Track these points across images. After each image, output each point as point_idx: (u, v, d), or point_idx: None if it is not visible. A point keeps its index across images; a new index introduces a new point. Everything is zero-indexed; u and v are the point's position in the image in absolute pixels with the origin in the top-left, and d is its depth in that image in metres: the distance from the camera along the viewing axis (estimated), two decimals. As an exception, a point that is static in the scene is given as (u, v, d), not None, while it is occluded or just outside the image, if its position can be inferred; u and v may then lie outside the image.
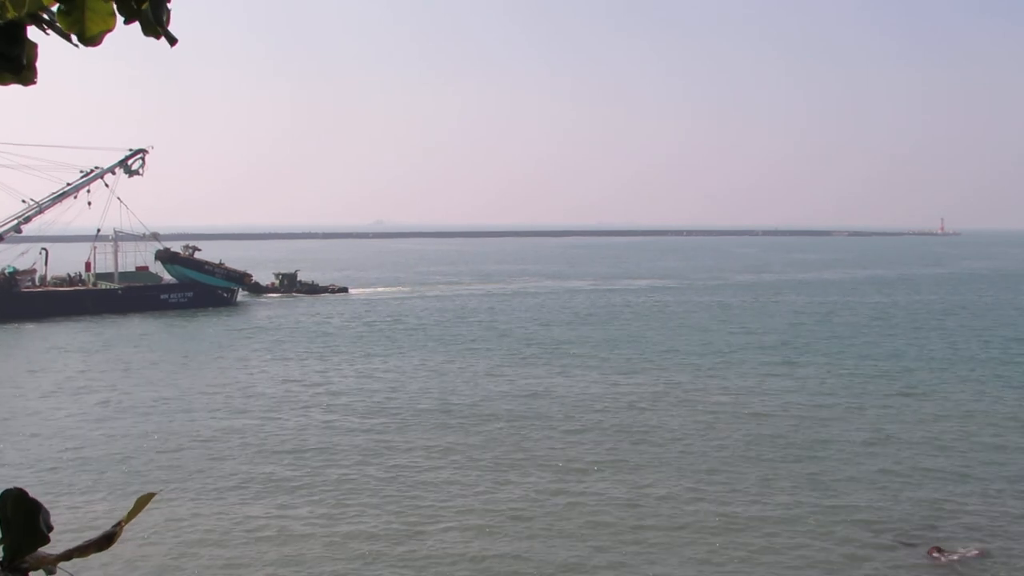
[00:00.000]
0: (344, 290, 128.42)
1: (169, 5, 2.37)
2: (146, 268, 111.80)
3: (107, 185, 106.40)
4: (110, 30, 2.22)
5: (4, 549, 2.29)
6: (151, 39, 2.36)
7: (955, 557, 29.06)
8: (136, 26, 2.35)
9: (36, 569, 2.31)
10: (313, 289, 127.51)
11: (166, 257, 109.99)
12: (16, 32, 2.25)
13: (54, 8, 2.23)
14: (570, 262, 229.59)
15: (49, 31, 2.27)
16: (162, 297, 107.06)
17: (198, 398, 53.54)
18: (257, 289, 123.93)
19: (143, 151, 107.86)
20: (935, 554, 29.17)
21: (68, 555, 2.31)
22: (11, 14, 2.24)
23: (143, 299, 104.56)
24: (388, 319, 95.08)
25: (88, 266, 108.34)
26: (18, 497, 2.31)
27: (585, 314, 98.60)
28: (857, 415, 48.66)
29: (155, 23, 2.29)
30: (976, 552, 29.41)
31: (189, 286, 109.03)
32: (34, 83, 2.30)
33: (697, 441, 42.96)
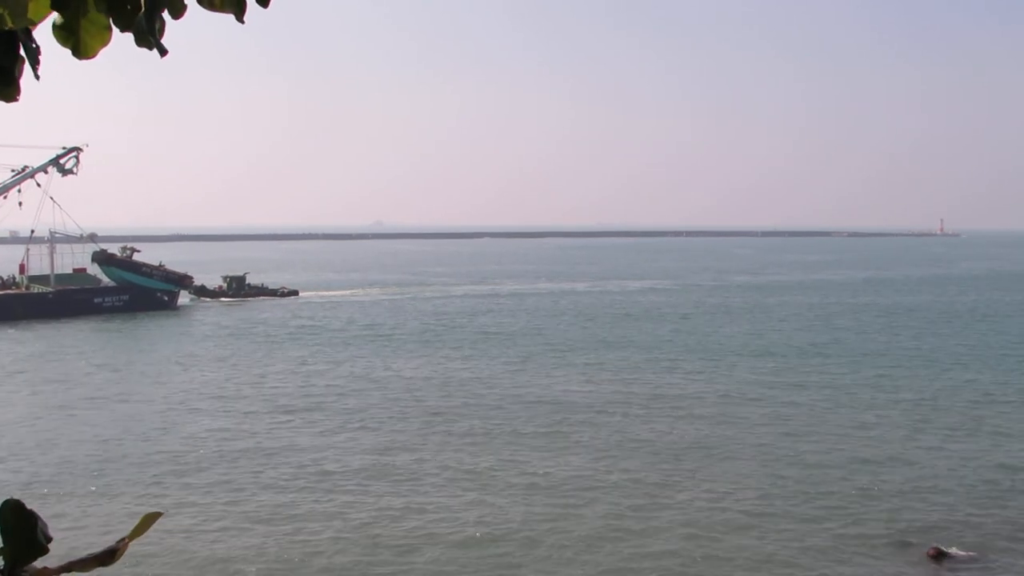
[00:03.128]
0: (295, 293, 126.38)
1: (164, 15, 2.36)
2: (84, 270, 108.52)
3: (39, 185, 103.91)
4: (106, 45, 2.23)
5: (4, 558, 2.29)
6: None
7: (954, 557, 29.12)
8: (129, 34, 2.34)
9: (35, 580, 2.31)
10: (262, 292, 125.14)
11: (102, 259, 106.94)
12: (11, 42, 2.25)
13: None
14: (556, 262, 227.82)
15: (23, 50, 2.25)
16: (95, 301, 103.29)
17: (93, 408, 52.31)
18: (203, 292, 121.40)
19: (77, 149, 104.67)
20: (935, 554, 29.22)
21: (69, 567, 2.33)
22: (10, 25, 2.24)
23: (75, 303, 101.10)
24: (326, 322, 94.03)
25: (23, 268, 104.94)
26: (18, 506, 2.31)
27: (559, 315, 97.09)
28: (856, 417, 48.78)
29: (148, 33, 2.29)
30: (975, 552, 29.51)
31: (125, 289, 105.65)
32: (16, 100, 2.28)
33: (696, 442, 42.98)
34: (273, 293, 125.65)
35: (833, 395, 55.59)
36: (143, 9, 2.17)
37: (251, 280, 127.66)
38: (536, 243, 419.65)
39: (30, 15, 2.14)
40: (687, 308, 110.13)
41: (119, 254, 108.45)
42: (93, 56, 2.22)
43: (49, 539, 2.32)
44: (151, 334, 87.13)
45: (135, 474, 38.86)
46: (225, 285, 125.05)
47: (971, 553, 29.54)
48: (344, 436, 45.66)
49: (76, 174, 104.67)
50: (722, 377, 61.75)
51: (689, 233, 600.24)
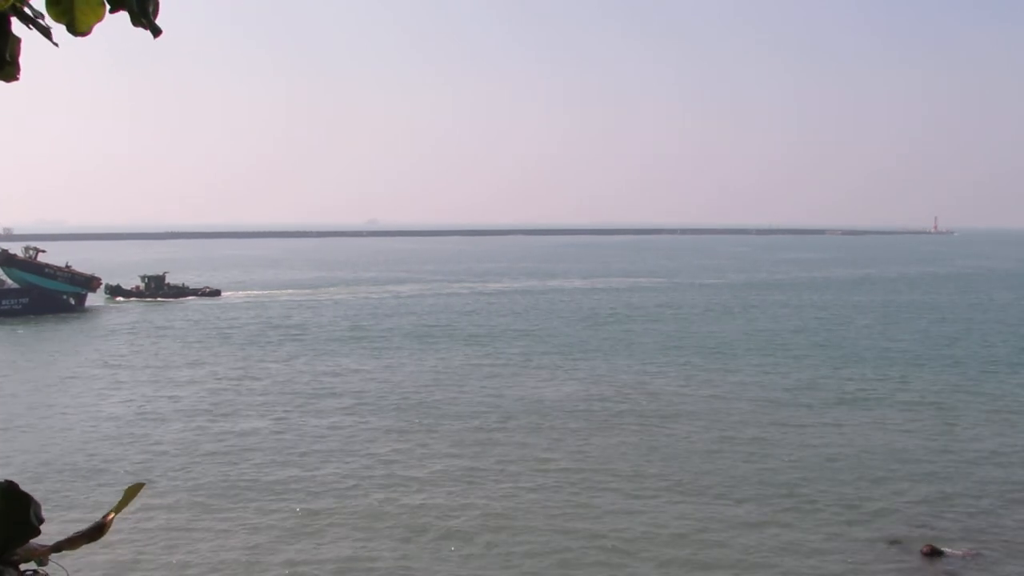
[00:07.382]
0: (216, 293, 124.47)
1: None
2: None
3: None
4: (100, 20, 2.22)
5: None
6: (147, 40, 2.34)
7: (948, 555, 29.18)
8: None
9: (27, 561, 2.30)
10: (182, 292, 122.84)
11: (2, 260, 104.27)
12: (1, 24, 2.24)
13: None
14: (548, 260, 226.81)
15: (31, 27, 2.25)
16: None
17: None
18: (118, 292, 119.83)
19: None
20: (928, 552, 29.28)
21: (59, 547, 2.31)
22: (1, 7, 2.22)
23: None
24: (237, 322, 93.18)
25: None
26: (9, 489, 2.30)
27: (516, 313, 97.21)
28: (848, 415, 48.72)
29: (140, 12, 2.27)
30: (968, 551, 29.55)
31: (26, 291, 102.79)
32: (16, 79, 2.27)
33: (694, 441, 42.94)
34: (194, 293, 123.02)
35: (825, 394, 55.64)
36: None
37: (171, 279, 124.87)
38: (529, 241, 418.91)
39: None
40: (681, 307, 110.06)
41: (21, 254, 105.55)
42: (88, 32, 2.20)
43: (41, 520, 2.30)
44: (36, 337, 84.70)
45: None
46: (142, 285, 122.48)
47: (964, 551, 29.58)
48: (248, 435, 45.97)
49: None
50: (715, 376, 61.74)
51: (684, 231, 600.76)
